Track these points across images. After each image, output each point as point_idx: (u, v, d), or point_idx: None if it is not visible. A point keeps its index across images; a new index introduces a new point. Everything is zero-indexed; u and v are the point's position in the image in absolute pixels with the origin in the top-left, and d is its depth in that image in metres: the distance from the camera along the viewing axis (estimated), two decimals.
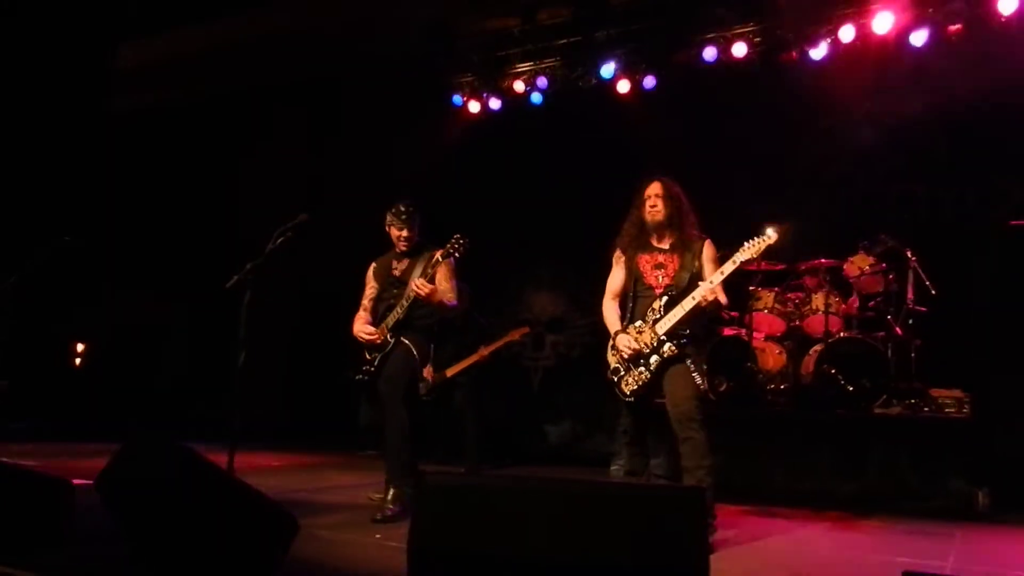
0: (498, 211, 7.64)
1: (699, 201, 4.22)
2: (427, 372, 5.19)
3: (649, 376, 4.02)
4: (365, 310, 4.95)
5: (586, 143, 7.51)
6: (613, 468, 5.88)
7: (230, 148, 8.74)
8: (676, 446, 4.01)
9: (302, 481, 5.86)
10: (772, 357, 6.39)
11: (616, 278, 4.27)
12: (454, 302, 4.79)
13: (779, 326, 6.53)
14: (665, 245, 4.13)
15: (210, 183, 8.87)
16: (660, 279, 4.10)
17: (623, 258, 4.22)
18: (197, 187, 8.93)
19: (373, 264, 5.02)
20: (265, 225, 4.94)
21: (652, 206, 4.07)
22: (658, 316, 4.05)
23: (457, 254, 4.56)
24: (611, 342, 4.19)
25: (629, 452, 4.22)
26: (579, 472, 5.92)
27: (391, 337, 4.73)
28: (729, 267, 3.92)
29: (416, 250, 4.85)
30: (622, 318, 4.17)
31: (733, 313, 6.63)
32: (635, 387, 4.06)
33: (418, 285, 4.55)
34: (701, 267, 4.07)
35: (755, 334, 6.48)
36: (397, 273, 4.86)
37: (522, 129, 7.84)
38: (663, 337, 4.00)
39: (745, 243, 3.88)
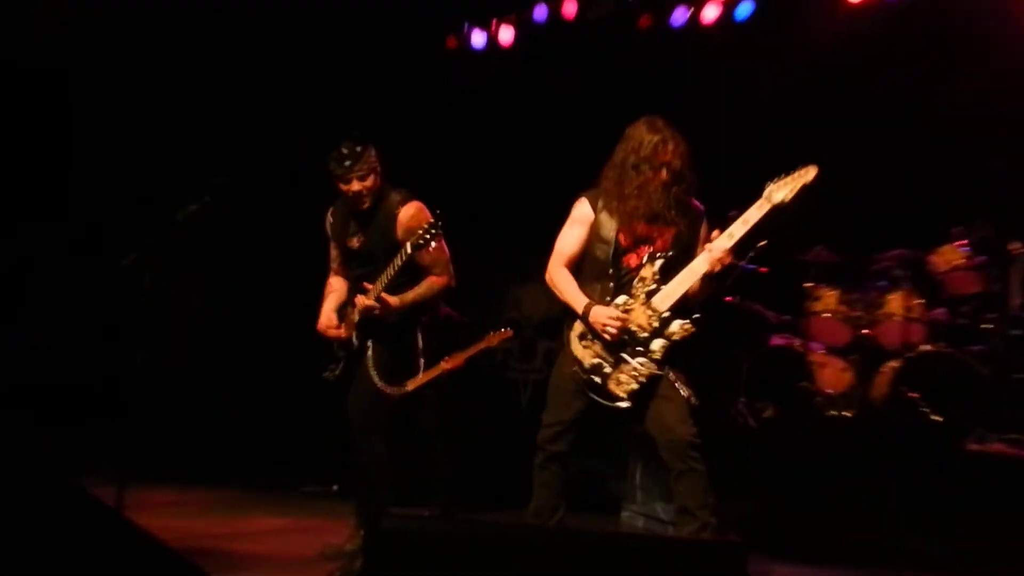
0: (479, 187, 7.61)
1: (733, 173, 4.26)
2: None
3: (655, 369, 3.97)
4: (336, 274, 4.90)
5: (591, 108, 7.51)
6: (625, 515, 5.91)
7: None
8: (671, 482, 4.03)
9: (217, 523, 5.81)
10: (834, 375, 6.40)
11: (572, 238, 4.22)
12: (445, 280, 4.71)
13: (843, 334, 6.56)
14: (651, 212, 4.12)
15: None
16: (640, 255, 4.13)
17: (592, 219, 4.17)
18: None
19: (329, 215, 4.89)
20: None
21: (665, 182, 4.04)
22: (653, 287, 4.02)
23: (431, 244, 4.40)
24: (573, 328, 4.11)
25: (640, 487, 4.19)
26: (581, 519, 5.68)
27: (356, 339, 4.69)
28: (754, 212, 3.91)
29: (378, 202, 4.68)
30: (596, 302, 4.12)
31: (762, 310, 6.76)
32: (634, 386, 3.98)
33: (362, 305, 4.48)
34: (694, 246, 4.11)
35: (812, 345, 6.54)
36: (355, 245, 4.74)
37: (513, 86, 7.87)
38: (666, 314, 3.95)
39: (768, 184, 3.89)
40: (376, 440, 4.60)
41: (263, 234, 7.83)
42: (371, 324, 4.66)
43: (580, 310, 4.05)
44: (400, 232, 4.54)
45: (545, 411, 4.25)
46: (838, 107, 7.08)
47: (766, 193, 3.90)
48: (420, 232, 4.36)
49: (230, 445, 7.89)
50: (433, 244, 4.39)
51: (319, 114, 7.27)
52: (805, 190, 3.84)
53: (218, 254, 8.16)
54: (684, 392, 3.98)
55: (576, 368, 4.06)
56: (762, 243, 6.15)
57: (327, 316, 4.80)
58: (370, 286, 4.50)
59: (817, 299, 6.63)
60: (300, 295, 5.24)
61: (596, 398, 4.04)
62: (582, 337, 4.10)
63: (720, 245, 3.91)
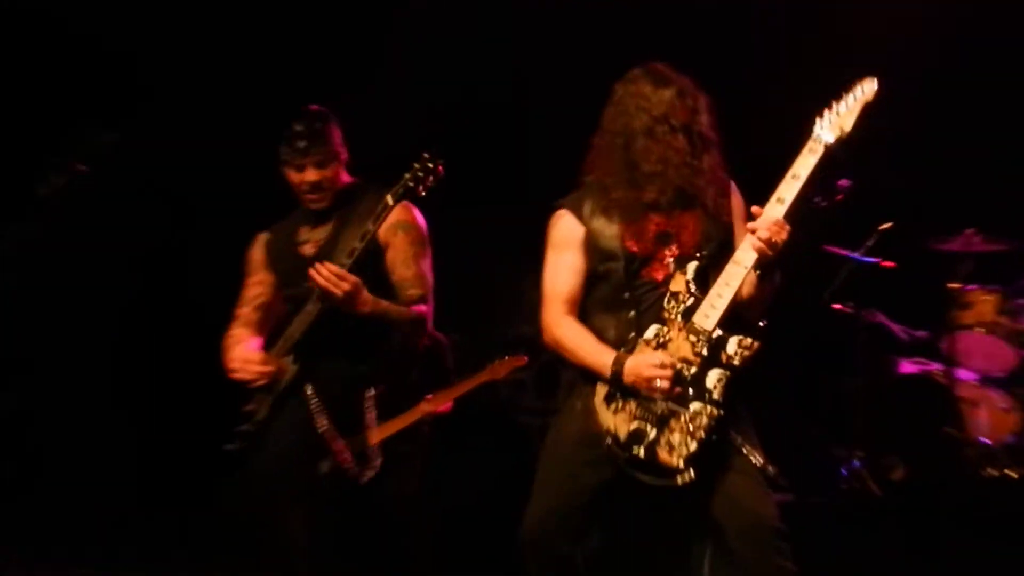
0: (472, 157, 7.04)
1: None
2: (333, 439, 5.01)
3: (717, 414, 3.82)
4: (246, 324, 4.89)
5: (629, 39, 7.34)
6: None
7: None
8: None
9: None
10: (993, 417, 6.36)
11: (565, 270, 4.17)
12: (422, 306, 4.74)
13: (1006, 358, 6.49)
14: (669, 197, 4.05)
15: None
16: (664, 263, 4.05)
17: (582, 234, 4.12)
18: None
19: (261, 238, 4.98)
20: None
21: (686, 151, 4.00)
22: (690, 302, 3.91)
23: (423, 188, 4.42)
24: (595, 392, 4.04)
25: None
26: None
27: (294, 362, 4.68)
28: (805, 161, 3.82)
29: (344, 202, 4.77)
30: (616, 341, 4.04)
31: (887, 322, 6.73)
32: (692, 447, 3.82)
33: (325, 276, 4.37)
34: (731, 231, 4.10)
35: (960, 373, 6.46)
36: (310, 250, 4.75)
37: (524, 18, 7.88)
38: (718, 334, 3.84)
39: (817, 120, 3.84)
40: (295, 518, 4.56)
41: (170, 218, 7.79)
42: (319, 342, 4.61)
43: (609, 370, 3.94)
44: (381, 234, 4.58)
45: (535, 492, 4.13)
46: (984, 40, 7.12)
47: (815, 133, 3.83)
48: (407, 175, 4.37)
49: (136, 521, 7.75)
50: (430, 179, 4.40)
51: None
52: (867, 109, 3.81)
53: (101, 247, 7.99)
54: (756, 459, 3.87)
55: (610, 443, 3.94)
56: (886, 225, 6.08)
57: (243, 351, 4.71)
58: (328, 267, 4.39)
59: (967, 307, 6.63)
60: (215, 310, 5.13)
61: (644, 478, 3.88)
62: (609, 399, 3.99)
63: (768, 218, 3.78)
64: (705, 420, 3.80)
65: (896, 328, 6.94)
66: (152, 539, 7.54)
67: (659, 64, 4.07)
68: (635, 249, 4.00)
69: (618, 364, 3.89)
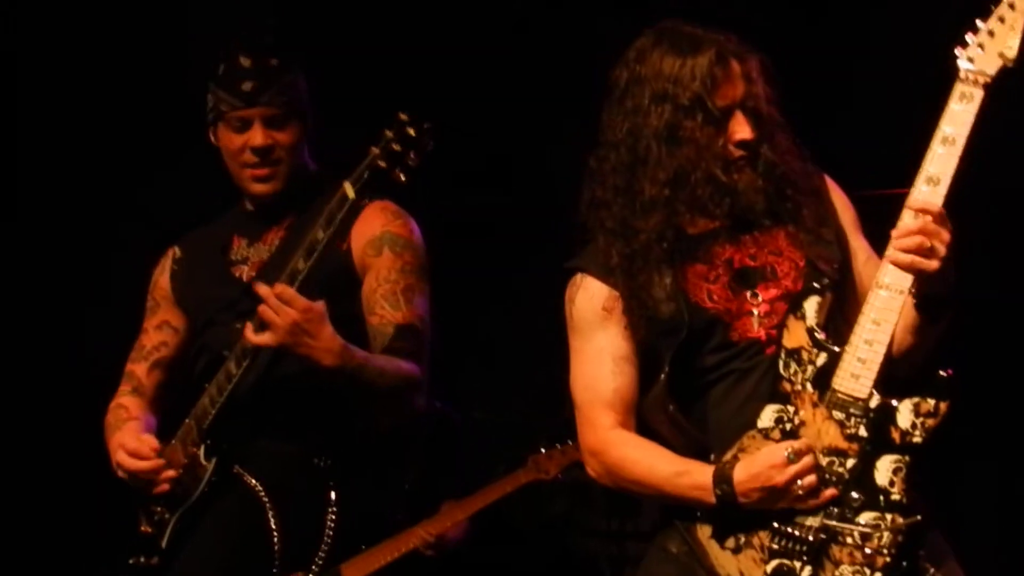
0: (499, 162, 6.99)
1: None
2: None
3: (905, 524, 3.31)
4: (139, 390, 4.34)
5: None
6: None
7: None
8: None
9: None
10: None
11: (605, 361, 3.69)
12: (413, 364, 4.05)
13: None
14: (736, 216, 3.64)
15: None
16: (761, 311, 3.60)
17: (616, 300, 3.62)
18: None
19: (170, 256, 4.38)
20: None
21: (746, 141, 3.56)
22: (820, 360, 3.45)
23: (400, 170, 3.74)
24: (696, 529, 3.52)
25: None
26: None
27: (206, 458, 4.09)
28: (960, 113, 3.33)
29: (302, 200, 4.15)
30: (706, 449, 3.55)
31: None
32: None
33: (264, 295, 3.76)
34: (845, 244, 3.69)
35: None
36: (247, 274, 4.21)
37: None
38: (878, 401, 3.35)
39: (958, 52, 3.39)
40: None
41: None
42: (247, 423, 4.01)
43: (711, 493, 3.40)
44: (357, 252, 4.02)
45: None
46: None
47: (964, 70, 3.32)
48: (375, 149, 3.71)
49: None
50: (412, 155, 3.75)
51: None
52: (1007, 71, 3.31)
53: None
54: None
55: None
56: None
57: (133, 437, 4.10)
58: (265, 289, 3.74)
59: None
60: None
61: None
62: (722, 535, 3.45)
63: (920, 214, 3.22)
64: (887, 537, 3.26)
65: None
66: None
67: (679, 21, 3.56)
68: (709, 304, 3.50)
69: (723, 479, 3.34)
